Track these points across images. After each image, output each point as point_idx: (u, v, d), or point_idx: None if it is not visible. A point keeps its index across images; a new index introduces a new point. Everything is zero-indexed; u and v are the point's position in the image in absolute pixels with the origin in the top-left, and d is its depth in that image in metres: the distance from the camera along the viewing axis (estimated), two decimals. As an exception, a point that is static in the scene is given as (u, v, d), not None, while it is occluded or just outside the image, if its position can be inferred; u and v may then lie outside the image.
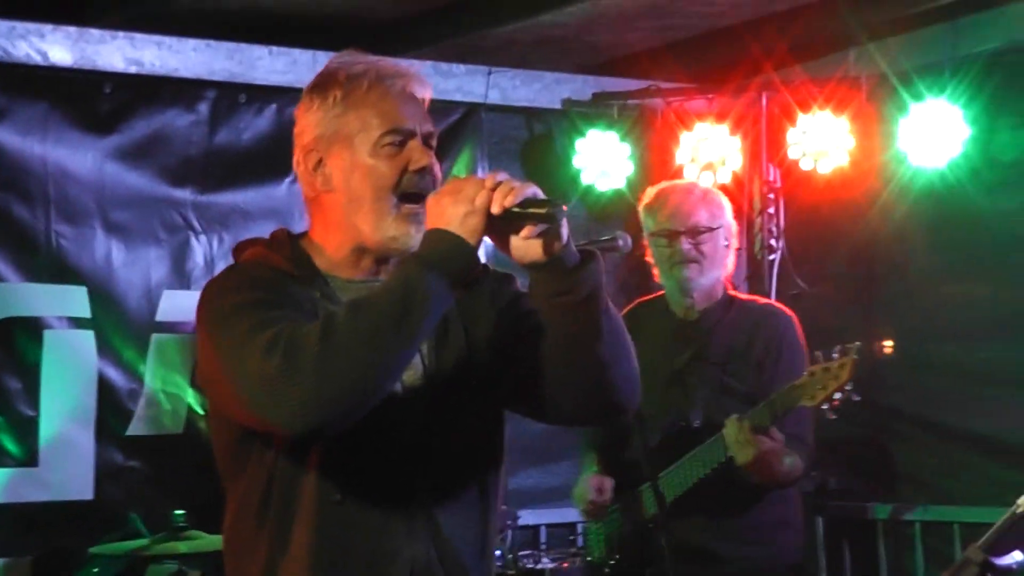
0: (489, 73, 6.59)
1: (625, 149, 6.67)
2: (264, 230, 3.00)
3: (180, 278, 5.94)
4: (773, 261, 6.73)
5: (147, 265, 5.90)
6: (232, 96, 6.10)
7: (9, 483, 5.57)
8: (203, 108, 6.04)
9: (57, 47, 5.74)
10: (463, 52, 6.54)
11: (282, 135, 5.77)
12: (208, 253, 6.01)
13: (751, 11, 6.27)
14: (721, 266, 4.95)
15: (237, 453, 2.81)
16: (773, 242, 6.75)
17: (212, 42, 6.04)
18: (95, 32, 5.82)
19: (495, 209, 2.60)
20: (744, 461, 4.62)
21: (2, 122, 5.63)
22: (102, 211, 5.81)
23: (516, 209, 2.60)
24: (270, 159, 6.00)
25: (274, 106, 6.12)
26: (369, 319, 2.56)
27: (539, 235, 2.61)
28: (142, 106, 5.92)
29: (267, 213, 6.04)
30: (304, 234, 2.90)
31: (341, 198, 2.81)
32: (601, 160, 6.64)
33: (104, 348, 5.76)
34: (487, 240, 2.65)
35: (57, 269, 5.72)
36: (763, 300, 5.17)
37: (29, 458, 5.61)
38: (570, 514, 6.52)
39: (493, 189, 2.61)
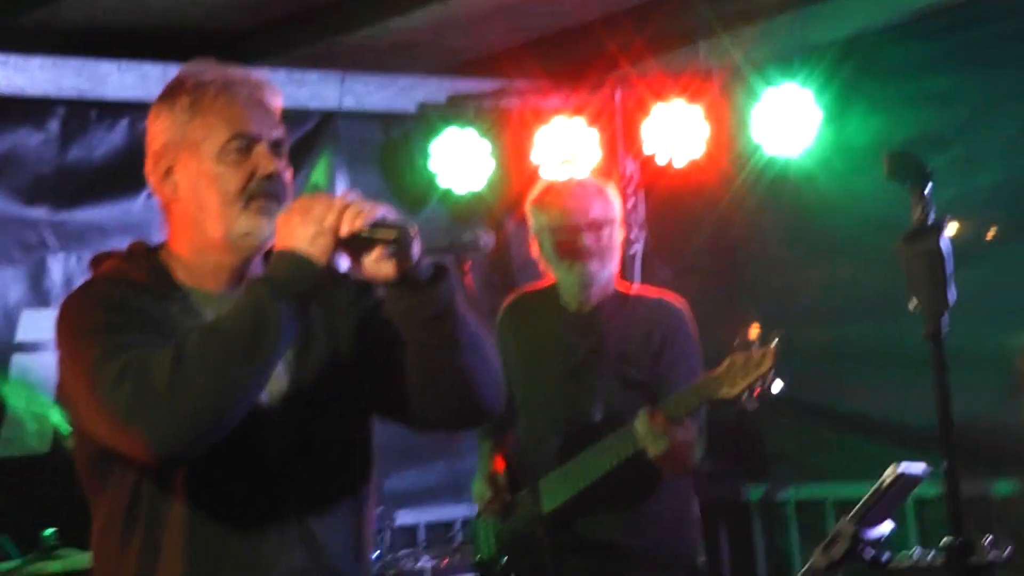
0: (343, 80, 6.56)
1: (484, 148, 6.67)
2: (122, 245, 2.94)
3: (38, 297, 5.87)
4: (635, 254, 6.78)
5: (4, 285, 5.83)
6: (83, 113, 6.03)
7: None
8: (53, 126, 5.97)
9: (-101, 70, 5.63)
10: (316, 59, 6.50)
11: (135, 150, 5.58)
12: (66, 271, 5.95)
13: (605, 7, 6.30)
14: (616, 259, 4.93)
15: (98, 470, 2.77)
16: (634, 235, 6.80)
17: (59, 59, 5.96)
18: (-62, 52, 5.72)
19: (343, 232, 2.58)
20: (657, 452, 4.59)
21: None
22: (-45, 234, 5.72)
23: (364, 233, 2.59)
24: (124, 174, 5.93)
25: (126, 121, 6.06)
26: (219, 345, 2.54)
27: (389, 255, 2.62)
28: (-9, 126, 5.83)
29: (124, 228, 5.97)
30: (162, 245, 2.87)
31: (190, 206, 2.78)
32: (458, 162, 6.64)
33: (-36, 371, 5.67)
34: None
35: (-88, 293, 5.62)
36: (655, 293, 5.13)
37: None
38: (448, 512, 6.52)
39: (343, 210, 2.59)
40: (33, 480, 5.76)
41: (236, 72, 2.83)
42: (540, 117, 6.70)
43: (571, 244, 4.83)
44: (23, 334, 5.82)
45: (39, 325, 5.78)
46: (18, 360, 5.81)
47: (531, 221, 4.97)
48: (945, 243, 2.77)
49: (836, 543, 3.49)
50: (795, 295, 6.45)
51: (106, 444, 2.64)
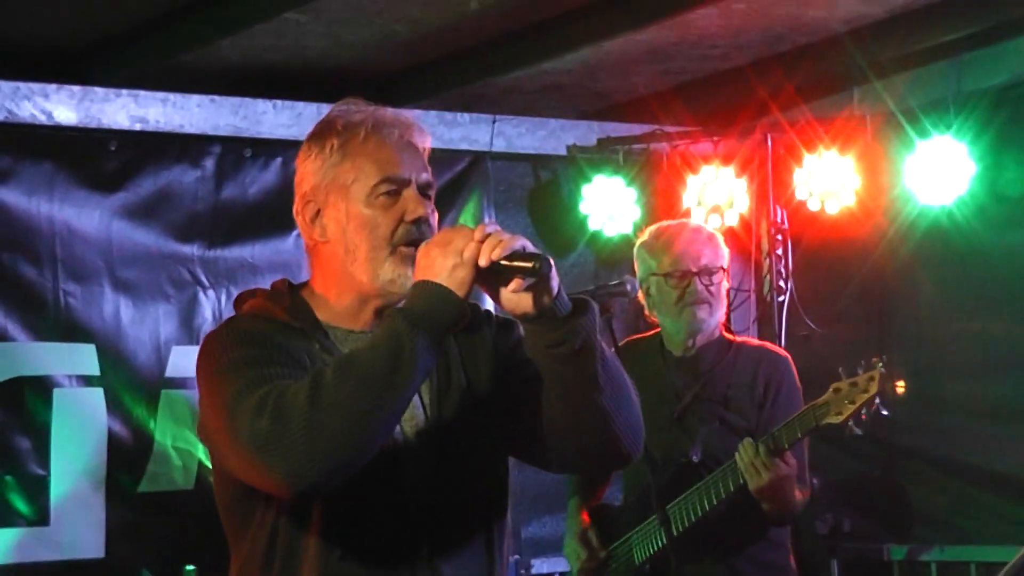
0: (494, 121, 6.59)
1: (631, 194, 6.66)
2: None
3: (189, 333, 5.91)
4: (782, 303, 6.71)
5: (155, 321, 5.88)
6: (237, 151, 6.10)
7: (20, 543, 5.53)
8: (209, 163, 6.04)
9: (62, 107, 5.75)
10: (467, 101, 6.55)
11: (288, 188, 5.63)
12: (216, 308, 6.00)
13: (755, 52, 6.26)
14: (723, 306, 4.97)
15: (239, 510, 2.79)
16: (782, 283, 6.73)
17: (216, 97, 6.06)
18: (99, 91, 5.83)
19: (482, 262, 2.58)
20: (758, 486, 4.57)
21: (8, 183, 5.63)
22: (110, 269, 5.80)
23: (503, 263, 2.58)
24: (276, 213, 5.98)
25: (279, 160, 6.11)
26: (357, 376, 2.53)
27: (528, 288, 2.60)
28: (148, 163, 5.92)
29: (275, 267, 6.02)
30: (305, 284, 2.89)
31: (338, 248, 2.79)
32: (607, 205, 6.62)
33: (114, 405, 5.73)
34: None
35: (66, 328, 5.70)
36: (757, 341, 5.15)
37: (40, 517, 5.57)
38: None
39: (481, 241, 2.59)
40: (176, 516, 5.78)
41: (386, 113, 2.84)
42: (688, 162, 6.67)
43: (682, 290, 4.83)
44: (172, 370, 5.86)
45: (188, 362, 5.78)
46: (167, 396, 5.85)
47: (638, 266, 4.98)
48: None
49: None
50: (946, 348, 6.33)
51: (243, 478, 2.66)
